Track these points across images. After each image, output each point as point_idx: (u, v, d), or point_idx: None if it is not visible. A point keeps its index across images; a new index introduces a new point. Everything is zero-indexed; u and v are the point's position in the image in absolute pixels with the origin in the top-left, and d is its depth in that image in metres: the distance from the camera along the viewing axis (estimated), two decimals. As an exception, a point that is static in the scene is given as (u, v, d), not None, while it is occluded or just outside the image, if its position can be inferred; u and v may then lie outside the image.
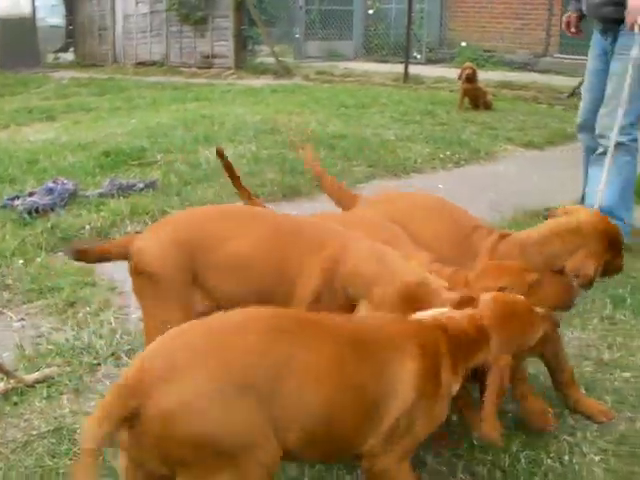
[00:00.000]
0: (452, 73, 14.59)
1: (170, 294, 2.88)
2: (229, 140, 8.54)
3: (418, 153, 8.46)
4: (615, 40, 5.32)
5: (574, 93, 13.59)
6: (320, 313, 2.44)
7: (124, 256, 2.97)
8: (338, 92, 13.43)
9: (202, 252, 2.88)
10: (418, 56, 19.10)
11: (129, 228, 5.54)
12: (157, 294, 2.89)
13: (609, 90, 5.37)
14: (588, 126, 5.66)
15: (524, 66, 17.89)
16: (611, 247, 3.32)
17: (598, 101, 5.51)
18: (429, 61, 19.18)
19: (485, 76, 12.59)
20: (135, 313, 4.22)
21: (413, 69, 15.87)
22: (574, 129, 6.32)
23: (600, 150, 5.38)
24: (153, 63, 18.54)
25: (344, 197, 3.86)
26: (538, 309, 2.64)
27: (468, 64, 12.10)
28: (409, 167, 7.91)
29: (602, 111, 5.41)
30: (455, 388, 2.41)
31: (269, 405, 2.03)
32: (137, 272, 2.93)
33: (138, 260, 2.91)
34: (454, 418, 3.20)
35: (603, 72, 5.50)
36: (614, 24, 5.26)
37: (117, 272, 4.72)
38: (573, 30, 5.88)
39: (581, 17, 5.80)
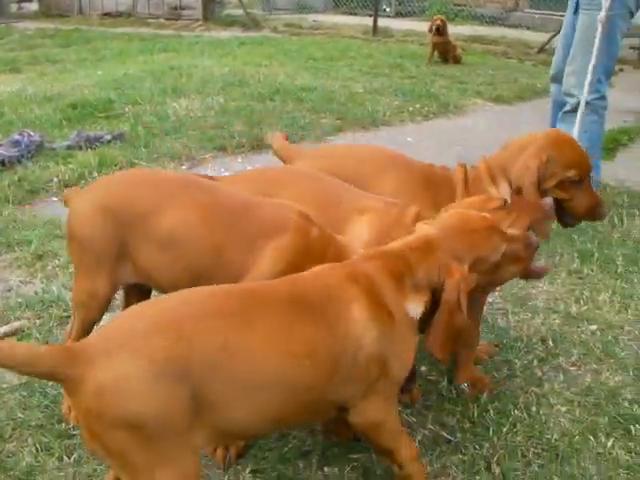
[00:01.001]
0: (421, 26, 14.55)
1: (96, 263, 2.77)
2: (197, 92, 8.48)
3: (387, 106, 8.45)
4: None
5: (544, 48, 13.65)
6: (255, 283, 2.41)
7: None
8: (307, 45, 13.35)
9: (134, 223, 2.71)
10: (387, 9, 19.01)
11: (97, 180, 5.51)
12: (84, 260, 2.81)
13: (574, 47, 5.37)
14: (559, 78, 5.67)
15: (494, 20, 17.82)
16: (562, 153, 3.29)
17: (567, 54, 5.51)
18: (398, 14, 19.07)
19: (455, 30, 12.56)
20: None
21: (382, 22, 15.80)
22: (546, 82, 6.32)
23: (567, 108, 5.40)
24: (120, 14, 18.23)
25: (288, 152, 3.71)
26: (510, 230, 2.59)
27: (438, 16, 12.09)
28: (378, 120, 7.90)
29: (567, 69, 5.42)
30: (416, 310, 2.33)
31: (206, 392, 1.99)
32: (68, 233, 2.86)
33: (69, 223, 2.83)
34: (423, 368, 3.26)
35: (574, 24, 5.48)
36: None
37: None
38: None
39: None
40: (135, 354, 1.93)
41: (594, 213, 3.37)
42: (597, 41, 4.87)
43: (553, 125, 5.69)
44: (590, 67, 4.84)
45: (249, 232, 2.67)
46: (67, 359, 1.94)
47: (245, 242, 2.66)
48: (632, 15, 5.32)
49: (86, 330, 2.86)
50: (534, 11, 18.08)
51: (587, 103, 5.13)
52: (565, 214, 3.36)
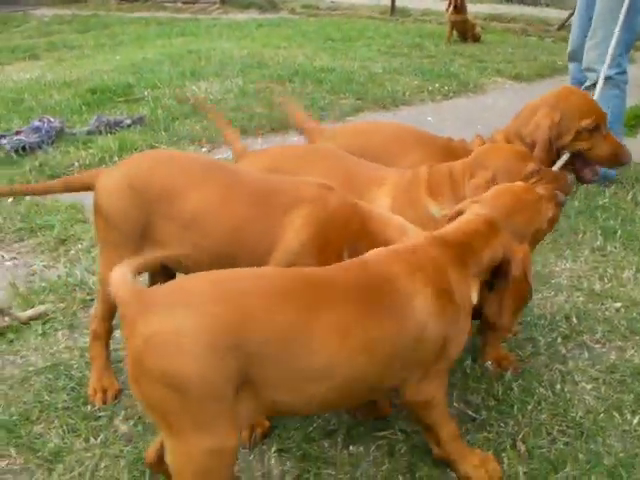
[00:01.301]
0: (440, 5, 14.44)
1: (122, 240, 2.77)
2: (216, 75, 8.49)
3: (406, 86, 8.41)
4: None
5: (564, 25, 13.50)
6: (322, 268, 2.32)
7: (89, 189, 2.91)
8: (325, 26, 13.30)
9: (158, 202, 2.72)
10: (405, -12, 18.87)
11: (118, 165, 5.53)
12: (109, 237, 2.82)
13: (594, 21, 5.31)
14: (577, 56, 5.64)
15: (513, -2, 17.71)
16: (573, 105, 3.43)
17: (586, 31, 5.45)
18: (416, -7, 18.95)
19: (474, 9, 12.49)
20: (126, 249, 4.23)
21: (400, 2, 15.69)
22: (565, 60, 6.27)
23: (587, 83, 5.33)
24: (137, -1, 18.30)
25: (311, 130, 3.76)
26: (539, 190, 2.63)
27: (457, -7, 11.98)
28: (398, 100, 7.86)
29: (588, 44, 5.36)
30: (474, 295, 2.39)
31: (256, 369, 1.98)
32: (95, 210, 2.86)
33: (96, 199, 2.83)
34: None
35: (593, 1, 5.40)
36: None
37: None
38: None
39: None
40: (196, 315, 1.95)
41: (617, 158, 3.47)
42: (621, 15, 4.75)
43: None
44: (613, 41, 4.77)
45: (271, 208, 2.67)
46: (134, 298, 2.00)
47: (268, 218, 2.66)
48: None
49: (110, 309, 2.89)
50: (553, -12, 17.95)
51: (609, 78, 5.00)
52: (585, 168, 3.48)
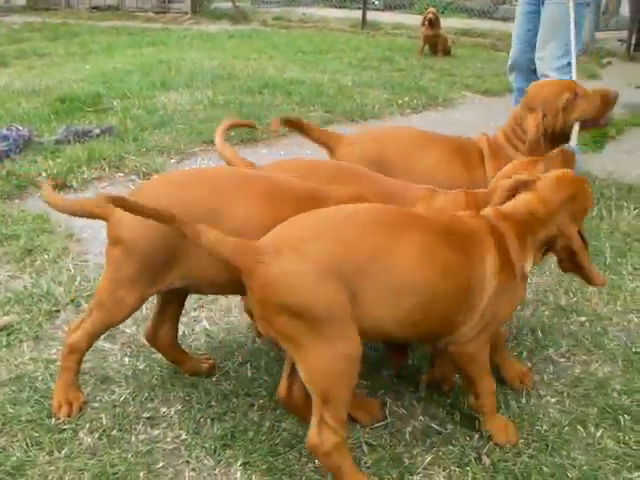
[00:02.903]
0: (410, 19, 14.57)
1: (138, 271, 2.70)
2: (186, 86, 8.48)
3: (376, 99, 8.45)
4: None
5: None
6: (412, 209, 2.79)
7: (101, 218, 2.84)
8: (296, 38, 13.35)
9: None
10: (376, 2, 19.00)
11: (86, 174, 5.49)
12: (124, 267, 2.72)
13: (541, 35, 5.62)
14: (519, 67, 5.95)
15: (483, 13, 17.84)
16: (550, 97, 4.00)
17: (525, 42, 5.83)
18: (387, 7, 19.06)
19: (444, 23, 12.54)
20: (94, 260, 4.21)
21: (371, 15, 15.82)
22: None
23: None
24: (108, 7, 18.16)
25: (329, 140, 3.86)
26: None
27: (431, 9, 12.11)
28: (367, 113, 7.89)
29: (539, 55, 5.63)
30: (529, 266, 2.73)
31: (358, 294, 2.34)
32: (113, 239, 2.77)
33: (116, 226, 2.74)
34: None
35: (531, 14, 5.78)
36: None
37: (74, 219, 4.69)
38: None
39: None
40: (302, 255, 2.31)
41: (608, 100, 4.09)
42: (572, 27, 5.05)
43: None
44: (572, 49, 5.06)
45: None
46: (246, 251, 2.33)
47: None
48: (588, 4, 5.73)
49: (100, 331, 2.90)
50: (523, 4, 18.09)
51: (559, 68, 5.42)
52: (595, 121, 4.15)
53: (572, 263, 2.83)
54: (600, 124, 4.24)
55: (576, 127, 4.04)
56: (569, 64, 5.31)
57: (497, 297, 2.61)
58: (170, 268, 2.72)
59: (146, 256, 2.69)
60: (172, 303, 3.06)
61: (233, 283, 2.53)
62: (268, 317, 2.34)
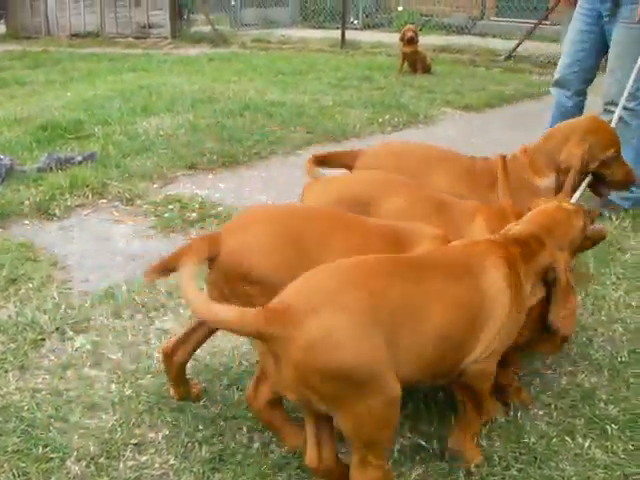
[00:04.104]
0: (389, 38, 14.65)
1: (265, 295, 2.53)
2: (167, 110, 8.47)
3: (357, 118, 8.48)
4: (617, 6, 5.40)
5: (511, 56, 13.75)
6: (411, 254, 2.74)
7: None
8: (275, 59, 13.39)
9: (310, 254, 2.68)
10: (355, 21, 19.08)
11: (69, 202, 5.48)
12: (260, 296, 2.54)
13: (613, 59, 5.48)
14: (563, 83, 5.83)
15: (461, 29, 17.94)
16: (601, 137, 3.83)
17: (576, 61, 5.70)
18: (366, 26, 19.14)
19: (423, 40, 12.61)
20: (79, 287, 4.21)
21: (350, 35, 15.88)
22: (514, 89, 6.40)
23: (611, 117, 5.41)
24: (88, 34, 18.20)
25: (345, 158, 3.97)
26: (568, 205, 2.97)
27: (410, 26, 12.05)
28: (348, 132, 7.91)
29: (609, 80, 5.54)
30: (528, 290, 2.72)
31: (392, 342, 2.28)
32: (237, 277, 2.70)
33: (239, 262, 2.68)
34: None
35: (588, 33, 5.63)
36: None
37: (58, 247, 4.73)
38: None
39: None
40: (337, 310, 2.21)
41: (629, 180, 3.93)
42: (637, 52, 4.97)
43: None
44: (632, 76, 4.94)
45: None
46: (273, 320, 2.18)
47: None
48: None
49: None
50: (500, 19, 18.24)
51: (633, 111, 5.38)
52: (601, 185, 3.94)
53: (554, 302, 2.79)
54: (605, 191, 4.08)
55: (587, 179, 3.87)
56: (639, 89, 5.32)
57: (508, 319, 2.61)
58: None
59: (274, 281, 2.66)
60: (203, 327, 3.04)
61: None
62: (311, 383, 2.21)
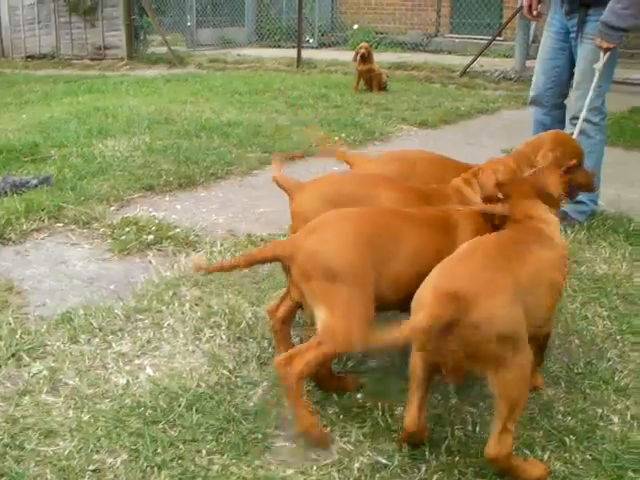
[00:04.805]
0: (345, 56, 14.72)
1: (358, 291, 2.99)
2: (123, 132, 8.44)
3: (313, 137, 8.51)
4: (583, 22, 5.50)
5: (466, 72, 13.90)
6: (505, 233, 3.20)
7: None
8: (232, 79, 13.39)
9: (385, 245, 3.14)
10: (311, 40, 19.20)
11: (25, 226, 5.42)
12: (343, 294, 2.97)
13: (579, 74, 5.61)
14: (540, 101, 5.95)
15: (416, 47, 18.11)
16: (567, 153, 4.08)
17: (551, 78, 5.84)
18: (322, 45, 19.28)
19: (378, 58, 12.70)
20: (35, 312, 4.17)
21: (306, 53, 15.96)
22: (469, 105, 6.48)
23: (576, 130, 5.52)
24: (43, 56, 18.11)
25: (354, 158, 4.37)
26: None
27: (364, 44, 12.15)
28: (304, 151, 7.91)
29: (574, 94, 5.66)
30: None
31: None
32: (314, 276, 3.03)
33: (313, 263, 3.04)
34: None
35: (560, 51, 5.76)
36: (583, 7, 5.48)
37: (13, 271, 4.68)
38: (535, 13, 5.97)
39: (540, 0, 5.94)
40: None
41: (590, 186, 4.12)
42: (601, 67, 5.31)
43: None
44: (592, 89, 5.33)
45: None
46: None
47: None
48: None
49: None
50: (455, 35, 18.44)
51: (595, 124, 5.55)
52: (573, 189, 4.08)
53: None
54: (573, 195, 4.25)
55: None
56: (602, 103, 5.58)
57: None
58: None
59: (357, 276, 3.11)
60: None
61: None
62: (480, 346, 2.62)
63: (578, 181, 4.00)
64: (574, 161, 3.91)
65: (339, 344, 2.93)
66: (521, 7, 5.98)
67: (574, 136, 5.17)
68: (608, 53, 5.27)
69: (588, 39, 5.47)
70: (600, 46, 5.25)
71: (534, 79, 6.09)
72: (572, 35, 5.63)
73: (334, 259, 2.97)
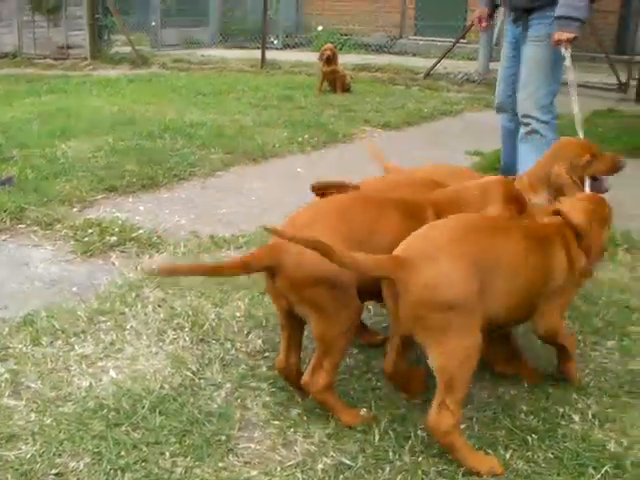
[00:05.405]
0: (309, 57, 14.75)
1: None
2: (86, 133, 8.37)
3: (276, 138, 8.51)
4: (526, 29, 5.77)
5: (430, 74, 13.97)
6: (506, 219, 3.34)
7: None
8: (195, 80, 13.36)
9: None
10: (275, 41, 19.21)
11: (-14, 229, 5.39)
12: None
13: (525, 74, 5.81)
14: (503, 108, 6.20)
15: (380, 48, 18.18)
16: (573, 155, 4.27)
17: (509, 85, 6.05)
18: (286, 46, 19.30)
19: (342, 59, 12.73)
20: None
21: (270, 54, 15.96)
22: (432, 107, 6.56)
23: (527, 129, 5.83)
24: (5, 55, 17.88)
25: (391, 170, 4.48)
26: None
27: (329, 45, 12.18)
28: (267, 152, 7.93)
29: (522, 94, 5.84)
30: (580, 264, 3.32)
31: (487, 288, 2.86)
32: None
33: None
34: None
35: (514, 58, 5.97)
36: (525, 13, 5.76)
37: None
38: (484, 24, 6.35)
39: (491, 13, 6.33)
40: (449, 257, 2.81)
41: (617, 166, 4.40)
42: (569, 63, 5.49)
43: (506, 151, 6.33)
44: (546, 90, 5.65)
45: None
46: (397, 265, 2.80)
47: None
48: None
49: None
50: (419, 38, 18.54)
51: (546, 123, 5.75)
52: (599, 182, 4.38)
53: None
54: (602, 190, 4.38)
55: (587, 182, 4.32)
56: (552, 103, 5.78)
57: (565, 280, 3.26)
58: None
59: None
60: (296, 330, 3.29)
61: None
62: (423, 315, 2.76)
63: (602, 169, 4.33)
64: (587, 156, 4.23)
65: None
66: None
67: (523, 135, 5.65)
68: (570, 48, 5.44)
69: (531, 41, 5.73)
70: (560, 39, 5.39)
71: (496, 87, 6.34)
72: (521, 41, 5.86)
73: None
